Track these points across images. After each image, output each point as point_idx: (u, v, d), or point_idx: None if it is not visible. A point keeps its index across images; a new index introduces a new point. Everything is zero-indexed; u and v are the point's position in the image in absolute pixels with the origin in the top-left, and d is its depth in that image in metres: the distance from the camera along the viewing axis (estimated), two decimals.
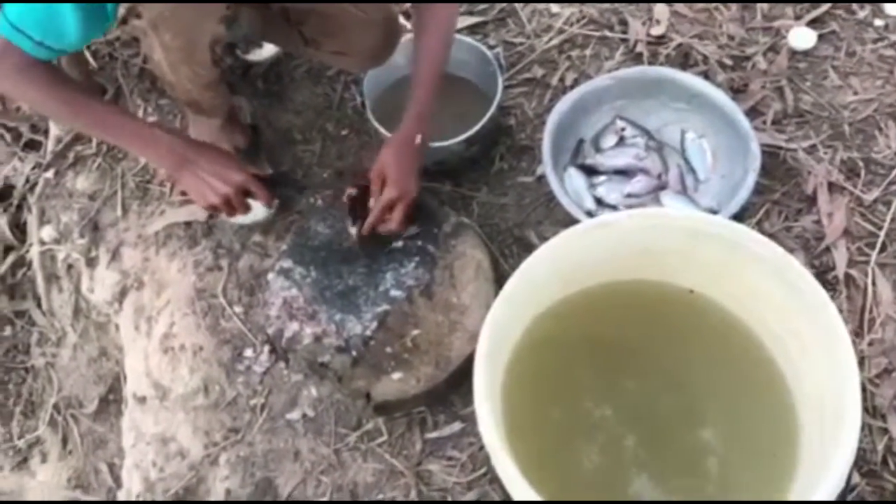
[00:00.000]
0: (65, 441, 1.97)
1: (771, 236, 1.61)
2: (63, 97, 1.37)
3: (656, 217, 1.31)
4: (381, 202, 1.51)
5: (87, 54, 2.03)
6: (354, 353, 1.51)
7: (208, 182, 1.44)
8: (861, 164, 1.71)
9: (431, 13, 1.50)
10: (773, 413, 1.27)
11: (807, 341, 1.19)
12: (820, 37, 1.88)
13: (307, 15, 1.59)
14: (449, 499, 1.47)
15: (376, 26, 1.59)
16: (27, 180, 2.04)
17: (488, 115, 1.67)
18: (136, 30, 1.68)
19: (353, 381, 1.51)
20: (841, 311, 1.52)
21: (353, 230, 1.58)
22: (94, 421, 1.93)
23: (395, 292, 1.56)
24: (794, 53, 1.87)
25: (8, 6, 1.23)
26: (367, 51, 1.64)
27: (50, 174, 1.99)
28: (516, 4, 2.01)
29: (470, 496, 1.47)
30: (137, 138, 1.44)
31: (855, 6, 1.92)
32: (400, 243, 1.61)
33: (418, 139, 1.50)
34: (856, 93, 1.80)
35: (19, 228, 2.07)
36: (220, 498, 1.54)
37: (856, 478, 1.39)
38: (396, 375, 1.49)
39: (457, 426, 1.53)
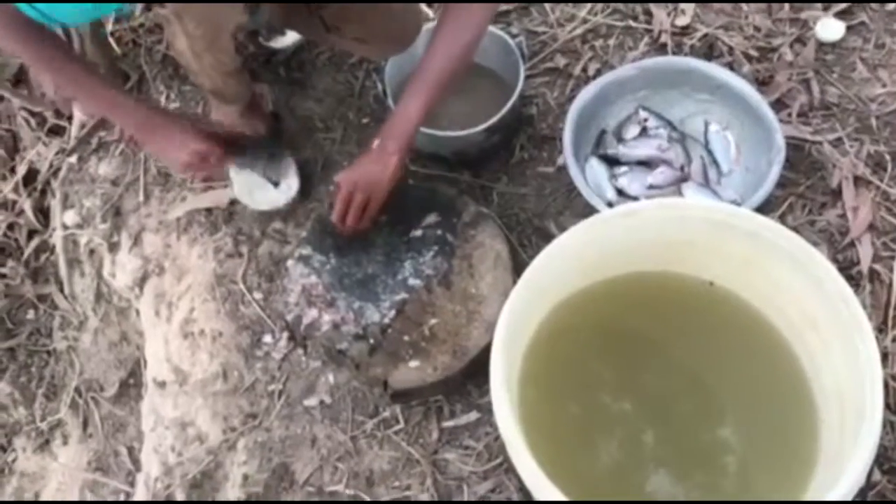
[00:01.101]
0: (85, 424, 1.99)
1: (794, 230, 1.57)
2: (45, 55, 1.38)
3: (683, 208, 1.29)
4: (340, 194, 1.50)
5: (112, 41, 2.04)
6: (372, 340, 1.51)
7: (170, 152, 1.51)
8: (888, 157, 1.68)
9: (465, 12, 1.39)
10: (793, 408, 1.25)
11: (829, 336, 1.18)
12: (848, 28, 1.85)
13: (327, 5, 1.58)
14: (465, 488, 1.47)
15: (397, 12, 1.58)
16: (51, 165, 2.05)
17: (509, 104, 1.66)
18: (159, 17, 1.68)
19: (371, 368, 1.51)
20: (864, 306, 1.50)
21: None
22: (115, 404, 1.95)
23: (413, 281, 1.56)
24: (821, 45, 1.84)
25: None
26: (389, 37, 1.63)
27: (73, 159, 2.01)
28: None
29: (486, 485, 1.47)
30: (104, 101, 1.46)
31: None
32: (419, 232, 1.61)
33: (375, 143, 1.45)
34: (884, 85, 1.77)
35: (43, 213, 2.09)
36: (238, 483, 1.55)
37: (877, 475, 1.37)
38: (414, 364, 1.49)
39: (473, 415, 1.53)
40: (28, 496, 2.06)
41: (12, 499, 2.06)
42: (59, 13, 1.25)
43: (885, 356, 1.47)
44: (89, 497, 1.91)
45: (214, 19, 1.39)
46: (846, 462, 1.04)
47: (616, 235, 1.28)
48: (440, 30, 1.42)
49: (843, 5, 1.87)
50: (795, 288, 1.20)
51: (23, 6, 1.23)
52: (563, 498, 1.03)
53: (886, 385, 1.44)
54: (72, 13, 1.26)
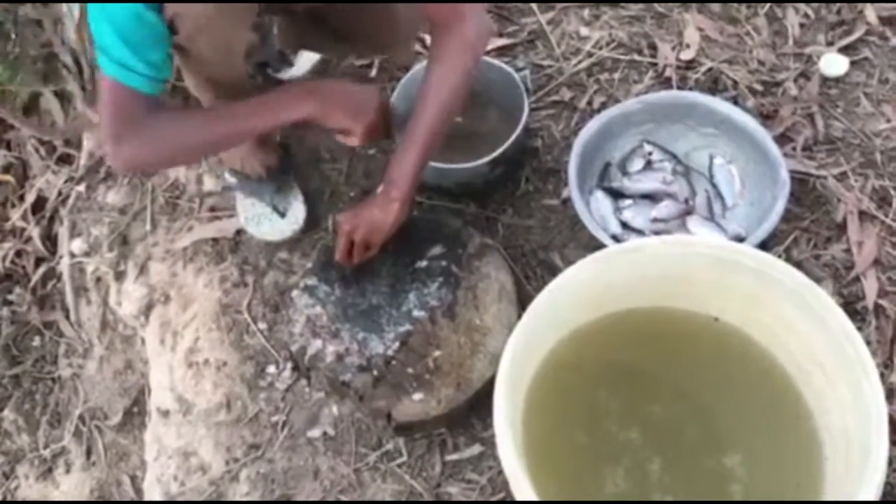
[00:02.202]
0: (89, 452, 1.98)
1: (799, 264, 1.59)
2: (194, 121, 1.38)
3: (688, 244, 1.30)
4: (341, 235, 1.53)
5: None
6: (376, 372, 1.51)
7: (354, 104, 1.41)
8: (893, 192, 1.69)
9: (457, 41, 1.41)
10: (797, 444, 1.25)
11: (833, 373, 1.17)
12: (852, 63, 1.86)
13: (330, 9, 1.58)
14: None
15: (402, 10, 1.57)
16: (59, 193, 2.07)
17: (514, 136, 1.67)
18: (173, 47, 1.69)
19: (374, 400, 1.50)
20: (870, 342, 1.50)
21: None
22: (118, 433, 1.95)
23: (417, 312, 1.56)
24: (825, 80, 1.86)
25: (104, 43, 1.22)
26: (400, 36, 1.64)
27: (82, 188, 2.03)
28: (545, 27, 2.01)
29: None
30: (266, 106, 1.39)
31: (889, 32, 1.90)
32: (424, 263, 1.61)
33: (379, 189, 1.49)
34: (888, 120, 1.78)
35: (50, 240, 2.10)
36: None
37: None
38: (417, 396, 1.49)
39: (477, 449, 1.53)
40: None
41: None
42: (160, 55, 1.27)
43: (890, 392, 1.46)
44: None
45: (226, 38, 1.40)
46: (852, 499, 1.03)
47: (621, 270, 1.28)
48: (433, 64, 1.43)
49: (847, 40, 1.89)
50: (800, 325, 1.20)
51: (140, 82, 1.25)
52: None
53: (892, 422, 1.42)
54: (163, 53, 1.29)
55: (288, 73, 1.99)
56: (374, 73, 1.99)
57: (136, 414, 1.94)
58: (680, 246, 1.28)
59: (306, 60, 1.99)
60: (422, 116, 1.44)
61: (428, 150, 1.46)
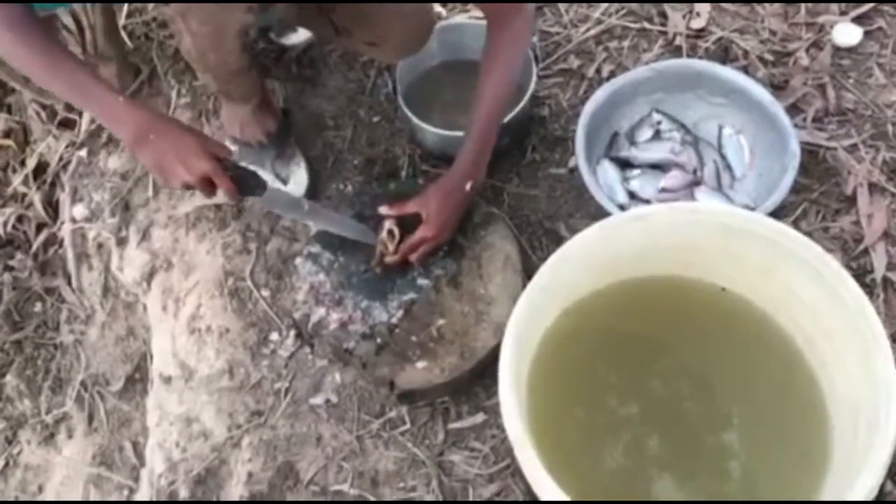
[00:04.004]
0: (91, 418, 1.98)
1: (808, 236, 1.57)
2: (40, 51, 1.28)
3: (696, 212, 1.28)
4: (413, 239, 1.51)
5: (124, 35, 2.04)
6: (379, 340, 1.50)
7: (172, 166, 1.32)
8: None
9: (507, 33, 1.44)
10: (803, 415, 1.24)
11: (843, 344, 1.16)
12: (865, 33, 1.83)
13: (338, 3, 1.57)
14: (470, 490, 1.46)
15: (408, 16, 1.57)
16: (61, 158, 2.05)
17: (521, 105, 1.65)
18: (166, 15, 1.66)
19: (378, 368, 1.50)
20: (878, 314, 1.48)
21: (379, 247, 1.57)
22: (120, 399, 1.94)
23: (421, 281, 1.55)
24: (837, 50, 1.83)
25: None
26: (400, 41, 1.62)
27: (83, 153, 2.01)
28: None
29: (491, 488, 1.46)
30: (102, 105, 1.33)
31: None
32: None
33: (468, 186, 1.50)
34: None
35: (52, 206, 2.09)
36: (242, 480, 1.54)
37: (888, 485, 1.36)
38: (421, 364, 1.48)
39: (480, 417, 1.52)
40: (32, 489, 2.05)
41: (17, 492, 2.06)
42: None
43: None
44: (93, 492, 1.90)
45: (218, 20, 1.39)
46: (859, 471, 1.03)
47: (628, 239, 1.27)
48: (490, 61, 1.45)
49: (861, 10, 1.85)
50: (810, 295, 1.19)
51: None
52: (567, 499, 1.01)
53: None
54: None
55: (291, 39, 1.97)
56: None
57: (137, 380, 1.93)
58: (689, 213, 1.26)
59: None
60: (480, 111, 1.46)
61: (487, 142, 1.49)
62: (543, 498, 1.05)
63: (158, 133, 1.32)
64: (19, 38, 1.26)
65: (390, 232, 1.53)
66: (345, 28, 1.58)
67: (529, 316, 1.20)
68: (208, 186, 1.34)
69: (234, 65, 1.54)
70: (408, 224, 1.53)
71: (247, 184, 1.39)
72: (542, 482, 1.03)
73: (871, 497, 1.01)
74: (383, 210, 1.54)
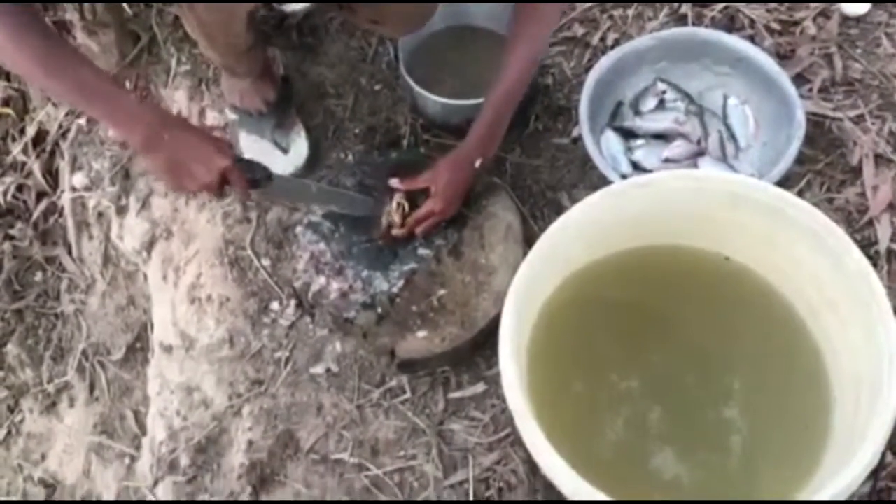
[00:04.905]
0: (92, 387, 1.99)
1: None
2: (39, 46, 1.16)
3: (700, 179, 1.27)
4: (420, 212, 1.50)
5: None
6: (380, 309, 1.50)
7: (188, 168, 1.26)
8: None
9: (536, 11, 1.40)
10: (806, 385, 1.23)
11: (847, 314, 1.15)
12: (874, 3, 1.80)
13: None
14: (470, 459, 1.46)
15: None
16: (60, 126, 2.03)
17: None
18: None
19: (378, 337, 1.50)
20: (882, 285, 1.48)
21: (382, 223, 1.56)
22: (121, 368, 1.95)
23: (422, 251, 1.55)
24: (845, 19, 1.80)
25: None
26: (403, 19, 1.59)
27: (83, 121, 1.99)
28: None
29: (491, 457, 1.46)
30: (111, 105, 1.23)
31: None
32: None
33: (478, 163, 1.47)
34: None
35: (51, 175, 2.08)
36: (243, 448, 1.55)
37: (888, 457, 1.35)
38: (421, 334, 1.48)
39: (480, 387, 1.52)
40: (35, 457, 2.07)
41: (19, 460, 2.07)
42: None
43: None
44: (94, 460, 1.91)
45: (227, 8, 1.37)
46: (860, 441, 1.02)
47: (630, 207, 1.26)
48: (516, 38, 1.43)
49: None
50: (814, 265, 1.18)
51: None
52: (568, 469, 1.01)
53: None
54: None
55: (291, 6, 1.94)
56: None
57: (138, 349, 1.94)
58: (692, 181, 1.25)
59: None
60: (502, 85, 1.43)
61: (501, 120, 1.47)
62: (543, 466, 1.04)
63: (172, 133, 1.25)
64: (13, 33, 1.13)
65: (399, 205, 1.53)
66: (349, 5, 1.55)
67: (530, 286, 1.19)
68: (221, 187, 1.30)
69: (241, 46, 1.53)
70: (413, 196, 1.53)
71: (255, 177, 1.36)
72: (543, 451, 1.03)
73: (871, 467, 1.01)
74: (393, 183, 1.53)
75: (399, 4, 1.52)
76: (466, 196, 1.55)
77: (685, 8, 1.84)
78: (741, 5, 1.83)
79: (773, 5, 1.83)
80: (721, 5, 1.83)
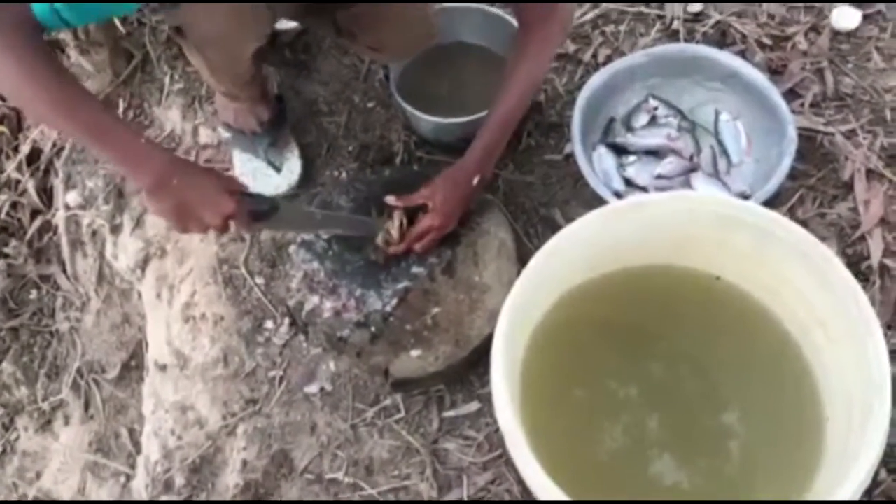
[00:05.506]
0: (87, 405, 1.98)
1: (804, 223, 1.57)
2: (50, 85, 1.13)
3: (692, 201, 1.27)
4: (418, 228, 1.50)
5: (116, 20, 2.02)
6: (374, 328, 1.50)
7: (195, 213, 1.25)
8: None
9: (539, 34, 1.40)
10: (798, 404, 1.24)
11: (836, 334, 1.16)
12: (864, 17, 1.81)
13: (342, 6, 1.55)
14: (465, 478, 1.46)
15: (412, 24, 1.55)
16: (54, 145, 2.04)
17: None
18: (177, 40, 1.61)
19: (372, 356, 1.50)
20: (874, 302, 1.48)
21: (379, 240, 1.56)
22: (116, 386, 1.95)
23: (416, 269, 1.55)
24: (836, 34, 1.81)
25: None
26: (402, 46, 1.61)
27: None
28: None
29: (485, 476, 1.46)
30: (121, 148, 1.21)
31: None
32: None
33: (476, 180, 1.48)
34: None
35: (46, 193, 2.08)
36: (237, 468, 1.54)
37: (882, 474, 1.35)
38: (415, 353, 1.48)
39: (474, 406, 1.52)
40: (30, 476, 2.06)
41: (14, 479, 2.06)
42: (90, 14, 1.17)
43: (893, 353, 1.44)
44: (90, 479, 1.91)
45: (235, 49, 1.39)
46: (853, 460, 1.02)
47: (623, 228, 1.26)
48: (520, 57, 1.42)
49: None
50: (804, 284, 1.18)
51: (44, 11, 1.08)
52: (559, 494, 1.01)
53: (895, 383, 1.41)
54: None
55: (285, 24, 1.94)
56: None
57: (133, 368, 1.93)
58: (683, 202, 1.25)
59: None
60: (502, 105, 1.44)
61: (501, 139, 1.48)
62: (534, 490, 1.04)
63: (181, 178, 1.23)
64: (27, 73, 1.11)
65: (400, 223, 1.53)
66: (348, 31, 1.56)
67: (523, 305, 1.19)
68: (227, 226, 1.29)
69: (246, 77, 1.55)
70: (412, 215, 1.53)
71: (261, 209, 1.35)
72: (533, 473, 1.03)
73: (865, 486, 1.01)
74: (390, 200, 1.53)
75: (399, 33, 1.53)
76: (464, 213, 1.55)
77: (677, 24, 1.85)
78: (732, 20, 1.84)
79: (763, 20, 1.84)
80: (713, 20, 1.84)
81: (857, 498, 1.00)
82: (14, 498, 2.04)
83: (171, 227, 1.29)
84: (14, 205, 2.11)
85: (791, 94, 1.72)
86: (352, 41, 1.58)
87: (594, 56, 1.85)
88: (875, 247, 1.56)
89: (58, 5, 1.08)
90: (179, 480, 1.59)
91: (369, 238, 1.56)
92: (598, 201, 1.54)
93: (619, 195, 1.59)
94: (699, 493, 1.20)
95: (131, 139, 1.21)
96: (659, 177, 1.62)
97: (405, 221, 1.53)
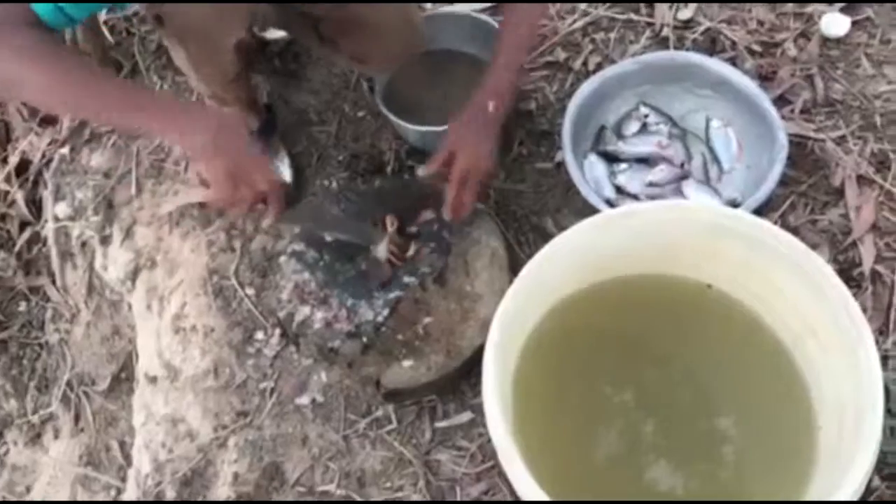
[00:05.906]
0: (77, 418, 1.97)
1: (795, 229, 1.57)
2: (75, 75, 1.14)
3: (683, 209, 1.27)
4: (454, 178, 1.43)
5: (105, 30, 2.01)
6: (365, 339, 1.49)
7: (248, 172, 1.24)
8: (892, 156, 1.65)
9: (521, 8, 1.44)
10: (790, 412, 1.23)
11: (828, 341, 1.15)
12: (854, 23, 1.81)
13: (326, 14, 1.54)
14: (458, 489, 1.45)
15: (394, 31, 1.54)
16: (43, 156, 2.03)
17: None
18: (158, 32, 1.61)
19: (364, 367, 1.49)
20: (865, 308, 1.48)
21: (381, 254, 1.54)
22: (106, 399, 1.93)
23: (407, 279, 1.54)
24: (825, 40, 1.81)
25: None
26: (387, 57, 1.60)
27: (66, 150, 1.98)
28: None
29: (479, 487, 1.45)
30: (164, 115, 1.19)
31: None
32: (414, 229, 1.58)
33: (490, 106, 1.41)
34: (889, 82, 1.74)
35: (35, 204, 2.07)
36: (228, 481, 1.53)
37: (876, 481, 1.35)
38: (407, 363, 1.47)
39: (466, 416, 1.51)
40: (19, 490, 2.04)
41: (4, 493, 2.05)
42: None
43: (885, 359, 1.44)
44: (80, 492, 1.89)
45: (215, 40, 1.38)
46: (846, 467, 1.02)
47: (614, 236, 1.26)
48: (509, 11, 1.45)
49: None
50: (795, 293, 1.18)
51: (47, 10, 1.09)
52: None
53: (887, 389, 1.41)
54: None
55: (274, 33, 1.94)
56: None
57: (123, 380, 1.92)
58: (674, 211, 1.25)
59: None
60: (505, 38, 1.43)
61: (512, 66, 1.45)
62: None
63: (228, 138, 1.21)
64: (52, 66, 1.11)
65: (395, 229, 1.53)
66: (331, 39, 1.55)
67: (515, 314, 1.19)
68: (268, 197, 1.29)
69: (229, 74, 1.53)
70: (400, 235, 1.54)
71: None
72: (526, 486, 1.02)
73: (858, 494, 1.00)
74: (420, 171, 1.49)
75: (381, 41, 1.52)
76: (495, 151, 1.49)
77: (667, 31, 1.85)
78: (722, 27, 1.84)
79: (753, 27, 1.84)
80: (702, 27, 1.84)
81: None
82: None
83: (218, 191, 1.25)
84: (3, 216, 2.10)
85: (781, 101, 1.72)
86: (334, 51, 1.57)
87: (584, 64, 1.85)
88: (866, 253, 1.56)
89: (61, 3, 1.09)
90: (170, 494, 1.58)
91: (363, 249, 1.55)
92: (589, 209, 1.53)
93: (610, 203, 1.58)
94: (696, 497, 1.20)
95: (171, 105, 1.21)
96: (650, 184, 1.62)
97: (396, 238, 1.53)
